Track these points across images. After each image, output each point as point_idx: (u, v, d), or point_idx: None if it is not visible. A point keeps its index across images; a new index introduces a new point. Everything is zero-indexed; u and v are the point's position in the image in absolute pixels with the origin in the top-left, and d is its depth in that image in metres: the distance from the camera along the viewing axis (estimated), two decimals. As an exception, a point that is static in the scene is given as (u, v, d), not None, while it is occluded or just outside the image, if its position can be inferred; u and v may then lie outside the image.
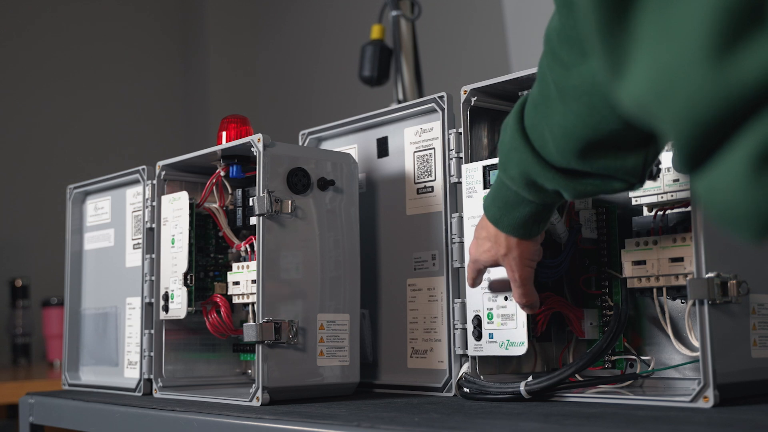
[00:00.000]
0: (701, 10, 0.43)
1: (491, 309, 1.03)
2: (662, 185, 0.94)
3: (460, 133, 1.11)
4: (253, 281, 1.14)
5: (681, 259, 0.91)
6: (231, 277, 1.23)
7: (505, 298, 1.02)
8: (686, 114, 0.45)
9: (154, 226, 1.32)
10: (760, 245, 0.47)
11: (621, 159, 0.76)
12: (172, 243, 1.27)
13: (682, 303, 0.97)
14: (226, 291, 1.24)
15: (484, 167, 1.06)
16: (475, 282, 1.03)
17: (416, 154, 1.19)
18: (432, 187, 1.17)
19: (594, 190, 0.81)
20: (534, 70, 1.02)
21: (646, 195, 0.95)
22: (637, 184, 0.80)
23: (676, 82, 0.45)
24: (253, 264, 1.17)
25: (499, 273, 1.02)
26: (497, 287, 1.03)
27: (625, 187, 0.81)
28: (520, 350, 1.01)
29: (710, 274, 0.83)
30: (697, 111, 0.45)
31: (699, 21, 0.43)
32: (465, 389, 1.03)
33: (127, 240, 1.43)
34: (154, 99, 3.41)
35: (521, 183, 0.85)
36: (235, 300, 1.23)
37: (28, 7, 3.14)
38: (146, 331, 1.31)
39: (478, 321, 1.04)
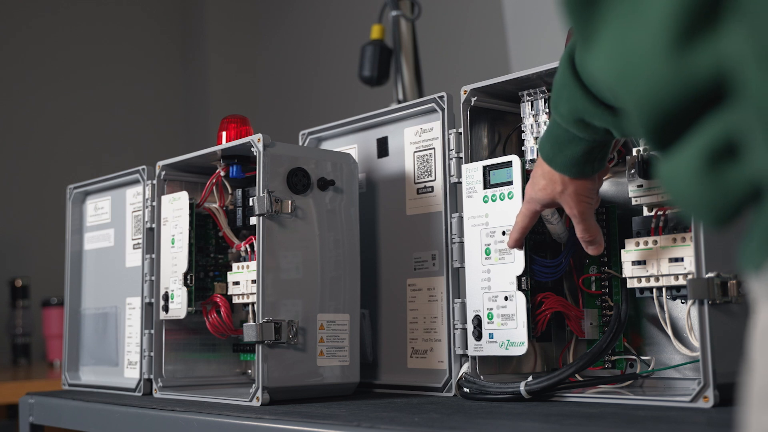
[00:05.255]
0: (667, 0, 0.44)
1: (491, 309, 1.03)
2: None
3: (460, 133, 1.11)
4: (253, 281, 1.14)
5: (681, 259, 0.91)
6: (231, 277, 1.23)
7: (506, 298, 1.02)
8: (646, 98, 0.46)
9: (154, 226, 1.32)
10: (720, 231, 0.48)
11: None
12: (172, 243, 1.27)
13: (682, 303, 0.97)
14: (226, 291, 1.24)
15: (484, 167, 1.06)
16: (521, 236, 0.99)
17: (416, 154, 1.19)
18: (432, 187, 1.17)
19: None
20: (534, 70, 1.02)
21: (646, 195, 0.96)
22: None
23: (637, 65, 0.46)
24: (253, 264, 1.17)
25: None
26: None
27: None
28: (520, 350, 1.01)
29: (710, 274, 0.83)
30: (655, 96, 0.46)
31: (663, 8, 0.44)
32: (465, 389, 1.03)
33: (127, 240, 1.43)
34: (154, 99, 3.41)
35: (571, 120, 0.84)
36: (235, 300, 1.23)
37: (28, 7, 3.14)
38: (146, 331, 1.31)
39: (478, 321, 1.04)
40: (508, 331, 1.01)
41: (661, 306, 0.97)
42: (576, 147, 0.88)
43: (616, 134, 0.83)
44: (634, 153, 0.97)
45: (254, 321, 1.11)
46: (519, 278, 1.01)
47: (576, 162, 0.90)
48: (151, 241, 1.33)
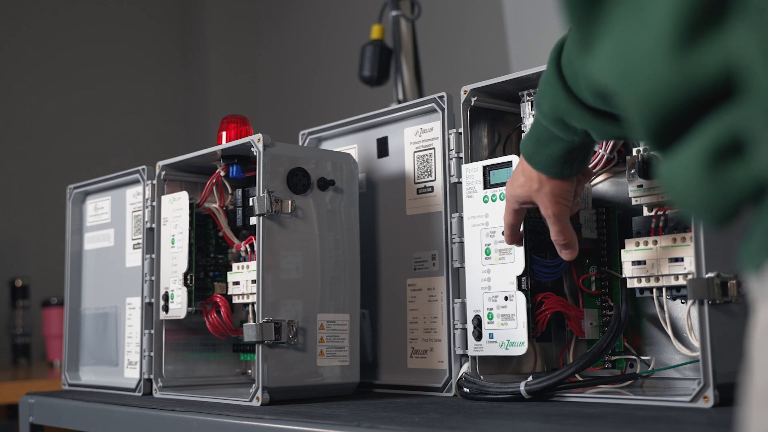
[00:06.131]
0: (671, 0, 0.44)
1: (491, 309, 1.03)
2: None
3: (460, 133, 1.11)
4: (253, 281, 1.14)
5: (681, 259, 0.91)
6: (231, 277, 1.23)
7: (506, 298, 1.02)
8: (648, 98, 0.47)
9: (154, 226, 1.32)
10: (720, 231, 0.48)
11: None
12: (172, 243, 1.27)
13: (682, 303, 0.97)
14: (226, 291, 1.24)
15: (484, 167, 1.06)
16: (513, 232, 1.00)
17: (416, 154, 1.19)
18: (432, 187, 1.17)
19: (620, 133, 0.81)
20: (534, 70, 1.02)
21: (646, 195, 0.96)
22: None
23: (639, 65, 0.46)
24: (253, 264, 1.17)
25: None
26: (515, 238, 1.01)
27: None
28: (520, 350, 1.01)
29: (710, 274, 0.83)
30: (657, 97, 0.46)
31: (667, 9, 0.45)
32: (465, 389, 1.03)
33: (127, 240, 1.43)
34: (153, 99, 3.41)
35: (551, 119, 0.84)
36: (235, 300, 1.23)
37: (28, 7, 3.14)
38: (146, 331, 1.31)
39: (478, 321, 1.04)
40: (508, 331, 1.01)
41: (661, 306, 0.97)
42: (556, 146, 0.89)
43: (595, 137, 0.83)
44: (634, 153, 0.97)
45: (254, 321, 1.11)
46: (519, 278, 1.01)
47: (555, 162, 0.90)
48: (151, 241, 1.33)
